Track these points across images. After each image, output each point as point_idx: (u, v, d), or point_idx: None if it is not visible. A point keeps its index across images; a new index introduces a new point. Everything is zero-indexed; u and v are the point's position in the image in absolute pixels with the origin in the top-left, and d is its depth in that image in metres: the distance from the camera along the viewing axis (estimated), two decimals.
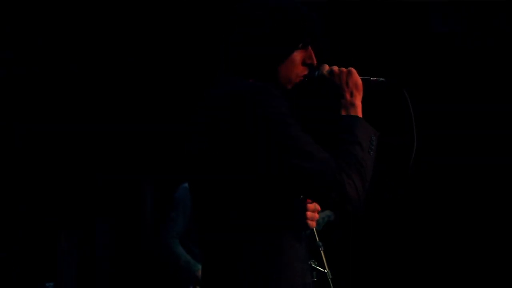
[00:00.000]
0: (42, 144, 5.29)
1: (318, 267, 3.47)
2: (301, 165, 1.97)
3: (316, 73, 2.22)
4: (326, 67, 2.22)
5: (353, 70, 2.20)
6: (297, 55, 2.19)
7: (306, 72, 2.21)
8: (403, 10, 5.50)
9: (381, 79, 2.23)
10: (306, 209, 2.22)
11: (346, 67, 2.22)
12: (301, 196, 2.17)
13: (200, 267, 4.27)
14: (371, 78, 2.23)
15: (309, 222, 2.23)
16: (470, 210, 5.57)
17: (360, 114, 2.15)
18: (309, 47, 2.22)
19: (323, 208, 2.20)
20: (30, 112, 5.24)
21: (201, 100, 2.17)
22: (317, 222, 2.31)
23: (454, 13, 5.64)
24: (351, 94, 2.17)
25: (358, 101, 2.18)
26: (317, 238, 3.37)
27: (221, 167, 2.05)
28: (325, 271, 3.46)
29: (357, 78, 2.19)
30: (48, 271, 4.98)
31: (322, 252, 3.43)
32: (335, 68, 2.21)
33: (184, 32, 5.40)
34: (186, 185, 4.50)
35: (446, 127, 5.59)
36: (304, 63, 2.21)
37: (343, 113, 2.15)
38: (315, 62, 2.23)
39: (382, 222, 5.62)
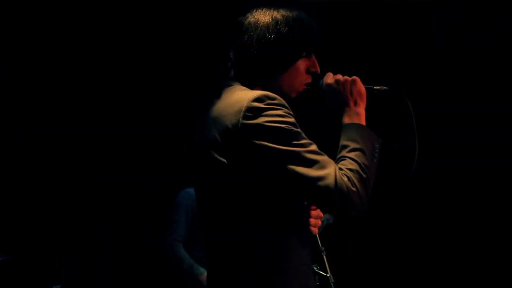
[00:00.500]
0: (42, 144, 5.29)
1: (320, 272, 3.50)
2: (305, 172, 2.01)
3: (321, 81, 2.25)
4: (331, 76, 2.26)
5: (357, 79, 2.24)
6: (301, 64, 2.24)
7: (310, 80, 2.26)
8: (403, 10, 5.50)
9: (384, 87, 2.26)
10: (310, 215, 2.25)
11: (348, 69, 2.26)
12: (305, 202, 2.19)
13: (202, 271, 4.29)
14: (375, 87, 2.26)
15: (312, 228, 2.26)
16: (471, 212, 5.57)
17: (363, 122, 2.20)
18: (313, 56, 2.26)
19: (326, 213, 2.23)
20: (30, 112, 5.23)
21: (206, 110, 2.20)
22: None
23: (454, 13, 5.64)
24: (355, 103, 2.21)
25: (362, 109, 2.22)
26: (319, 243, 3.40)
27: (225, 173, 2.08)
28: (327, 275, 3.49)
29: (361, 87, 2.24)
30: (48, 272, 4.98)
31: (324, 256, 3.46)
32: (339, 76, 2.24)
33: (184, 32, 5.40)
34: (189, 189, 4.52)
35: (446, 128, 5.60)
36: (308, 71, 2.26)
37: (347, 121, 2.19)
38: (318, 70, 2.27)
39: (383, 225, 5.63)
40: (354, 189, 2.02)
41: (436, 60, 5.64)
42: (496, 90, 5.52)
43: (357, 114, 2.19)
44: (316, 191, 2.01)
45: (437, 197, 5.67)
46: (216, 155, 2.08)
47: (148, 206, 5.51)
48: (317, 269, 3.47)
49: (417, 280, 5.64)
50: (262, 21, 2.21)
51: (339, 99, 2.22)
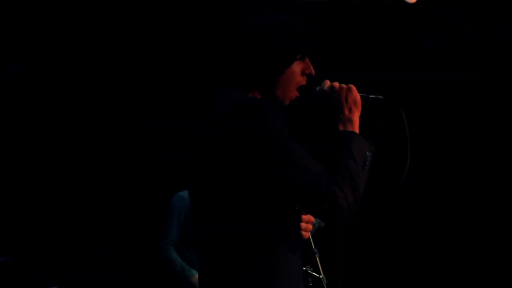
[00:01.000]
0: (42, 144, 5.30)
1: (313, 273, 3.52)
2: (295, 178, 2.03)
3: (317, 88, 2.28)
4: (328, 83, 2.29)
5: (353, 87, 2.26)
6: (296, 66, 2.26)
7: (305, 83, 2.28)
8: (403, 10, 5.49)
9: (380, 97, 2.29)
10: (301, 219, 2.26)
11: (346, 74, 2.29)
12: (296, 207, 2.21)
13: (194, 273, 4.37)
14: (370, 96, 2.29)
15: (303, 232, 2.28)
16: (464, 216, 5.58)
17: (357, 130, 2.21)
18: (307, 58, 2.29)
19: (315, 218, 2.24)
20: (29, 112, 5.26)
21: (202, 113, 2.24)
22: None
23: (454, 13, 5.65)
24: (350, 110, 2.23)
25: (356, 117, 2.24)
26: (312, 245, 3.43)
27: (218, 178, 2.11)
28: (321, 276, 3.52)
29: (356, 95, 2.25)
30: (46, 273, 5.00)
31: (317, 258, 3.48)
32: (336, 84, 2.27)
33: (183, 32, 5.41)
34: (181, 193, 4.58)
35: (445, 128, 5.61)
36: (303, 73, 2.28)
37: (341, 128, 2.21)
38: (313, 71, 2.30)
39: (376, 227, 5.64)
40: (342, 195, 2.04)
41: (435, 59, 5.65)
42: (495, 90, 5.52)
43: (351, 122, 2.21)
44: (305, 196, 2.04)
45: (430, 199, 5.68)
46: (210, 159, 2.12)
47: (148, 206, 5.52)
48: (310, 270, 3.50)
49: (410, 281, 5.64)
50: (257, 25, 2.24)
51: (334, 106, 2.24)
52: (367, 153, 2.16)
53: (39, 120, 5.28)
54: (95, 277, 5.33)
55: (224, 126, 2.09)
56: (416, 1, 5.22)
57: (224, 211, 2.11)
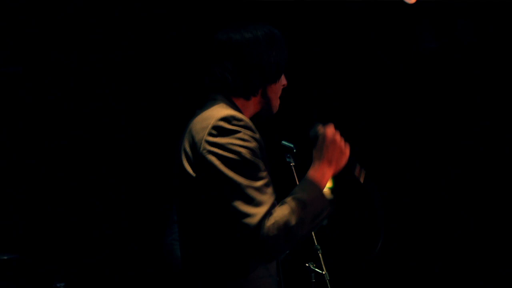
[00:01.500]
0: (42, 144, 5.30)
1: (316, 269, 3.53)
2: (236, 205, 2.06)
3: (319, 127, 2.30)
4: (331, 130, 2.29)
5: (347, 152, 2.29)
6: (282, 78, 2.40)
7: (280, 94, 2.39)
8: (402, 10, 5.50)
9: (360, 179, 2.34)
10: None
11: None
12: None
13: None
14: (356, 171, 2.33)
15: None
16: (465, 216, 5.59)
17: (324, 185, 2.21)
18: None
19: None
20: (29, 112, 5.26)
21: (187, 123, 2.30)
22: None
23: (454, 13, 5.66)
24: (329, 164, 2.24)
25: (329, 174, 2.24)
26: (315, 242, 3.44)
27: (192, 183, 2.16)
28: (323, 273, 3.53)
29: (344, 160, 2.28)
30: (53, 270, 5.00)
31: (320, 255, 3.49)
32: (338, 136, 2.28)
33: (183, 32, 5.42)
34: None
35: (444, 128, 5.62)
36: (281, 85, 2.41)
37: (311, 173, 2.22)
38: (286, 83, 2.41)
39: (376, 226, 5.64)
40: (273, 234, 2.04)
41: (433, 59, 5.67)
42: (495, 90, 5.53)
43: (323, 175, 2.21)
44: (236, 225, 2.06)
45: (430, 198, 5.69)
46: (185, 166, 2.17)
47: (148, 206, 5.52)
48: (313, 266, 3.51)
49: (410, 278, 5.65)
50: (254, 35, 2.29)
51: (319, 150, 2.26)
52: (324, 209, 2.17)
53: (39, 120, 5.27)
54: (95, 277, 5.32)
55: (199, 135, 2.15)
56: (416, 1, 5.22)
57: (198, 217, 2.16)
